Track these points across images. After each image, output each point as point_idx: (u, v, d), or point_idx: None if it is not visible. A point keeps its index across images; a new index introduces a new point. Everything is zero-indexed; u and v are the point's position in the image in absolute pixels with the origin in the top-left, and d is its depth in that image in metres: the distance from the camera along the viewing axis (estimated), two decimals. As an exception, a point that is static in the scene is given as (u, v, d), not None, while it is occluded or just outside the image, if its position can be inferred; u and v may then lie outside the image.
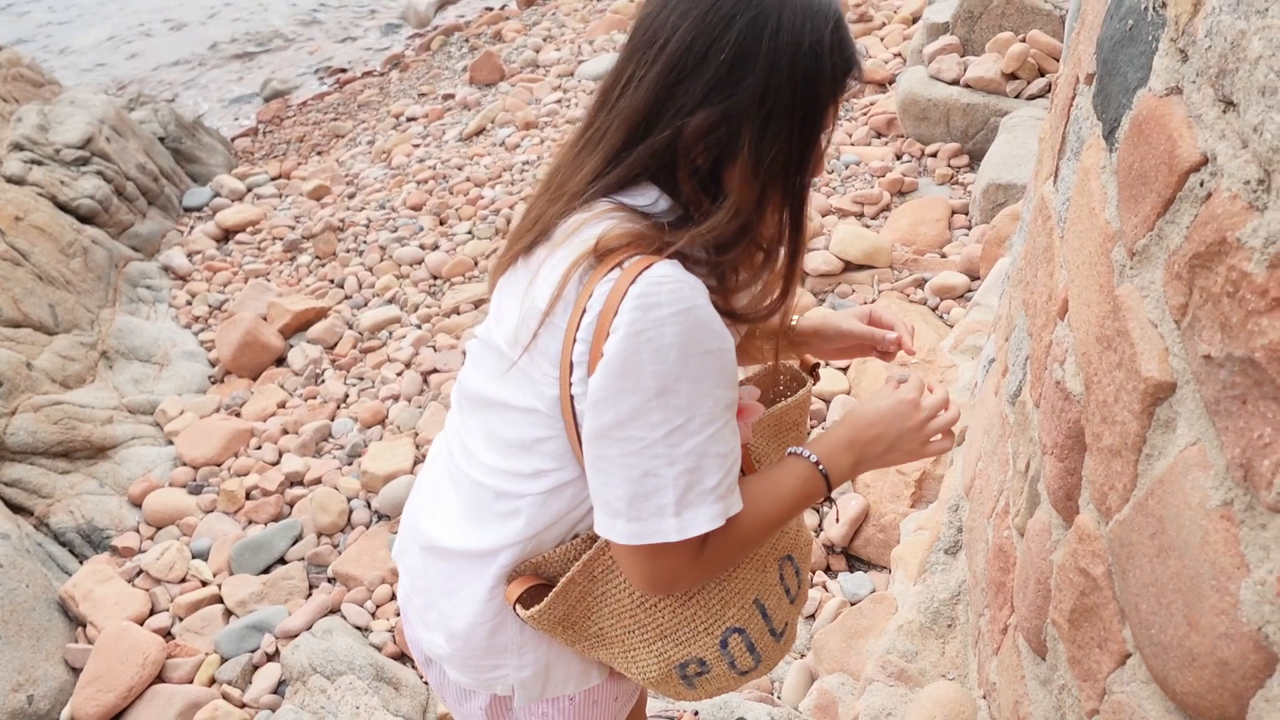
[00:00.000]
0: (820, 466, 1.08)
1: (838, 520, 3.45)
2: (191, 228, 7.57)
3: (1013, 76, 5.37)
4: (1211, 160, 0.90)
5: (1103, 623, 1.27)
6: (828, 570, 3.47)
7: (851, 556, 3.50)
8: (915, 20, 7.32)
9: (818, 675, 2.96)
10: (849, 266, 4.57)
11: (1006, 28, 5.55)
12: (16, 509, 4.41)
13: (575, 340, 0.94)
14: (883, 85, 6.65)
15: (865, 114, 6.34)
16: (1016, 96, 5.34)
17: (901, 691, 2.42)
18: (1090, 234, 1.33)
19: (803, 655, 3.14)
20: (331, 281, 6.40)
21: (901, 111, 5.77)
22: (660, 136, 0.94)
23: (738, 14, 0.88)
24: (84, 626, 3.80)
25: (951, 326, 4.05)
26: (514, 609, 1.09)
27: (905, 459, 1.12)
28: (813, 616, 3.27)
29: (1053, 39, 5.31)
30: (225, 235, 7.37)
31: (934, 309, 4.24)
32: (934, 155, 5.54)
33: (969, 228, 4.84)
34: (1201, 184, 0.92)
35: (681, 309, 0.90)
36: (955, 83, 5.53)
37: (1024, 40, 5.39)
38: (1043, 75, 5.34)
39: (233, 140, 9.62)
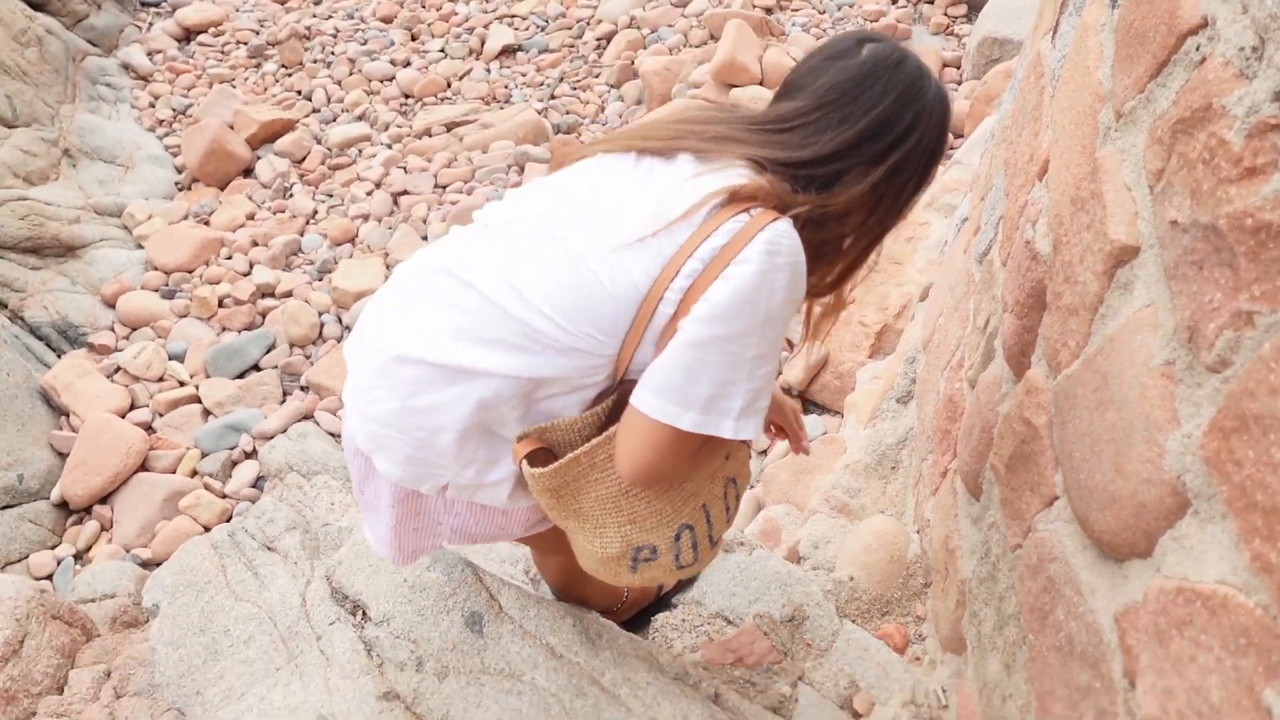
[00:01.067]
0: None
1: (795, 365, 3.58)
2: (150, 24, 7.16)
3: (1023, -76, 5.15)
4: (1211, 24, 0.92)
5: (1038, 468, 1.39)
6: (785, 412, 3.62)
7: (807, 400, 3.65)
8: None
9: (764, 505, 3.15)
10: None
11: None
12: (-11, 302, 4.40)
13: (690, 256, 1.09)
14: (888, -78, 6.34)
15: (866, -47, 6.07)
16: (1023, -53, 5.14)
17: (842, 523, 2.60)
18: (1081, 94, 1.35)
19: (752, 487, 3.34)
20: (299, 93, 6.17)
21: (905, -46, 5.54)
22: (830, 169, 1.20)
23: (912, 101, 1.22)
24: (67, 416, 3.89)
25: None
26: (519, 464, 1.21)
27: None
28: (764, 453, 3.44)
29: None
30: (186, 35, 6.99)
31: (914, 166, 4.24)
32: (930, 2, 5.37)
33: (959, 82, 4.77)
34: (1198, 48, 0.94)
35: (795, 261, 1.10)
36: (963, -73, 5.30)
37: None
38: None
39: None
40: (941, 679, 1.90)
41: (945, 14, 5.27)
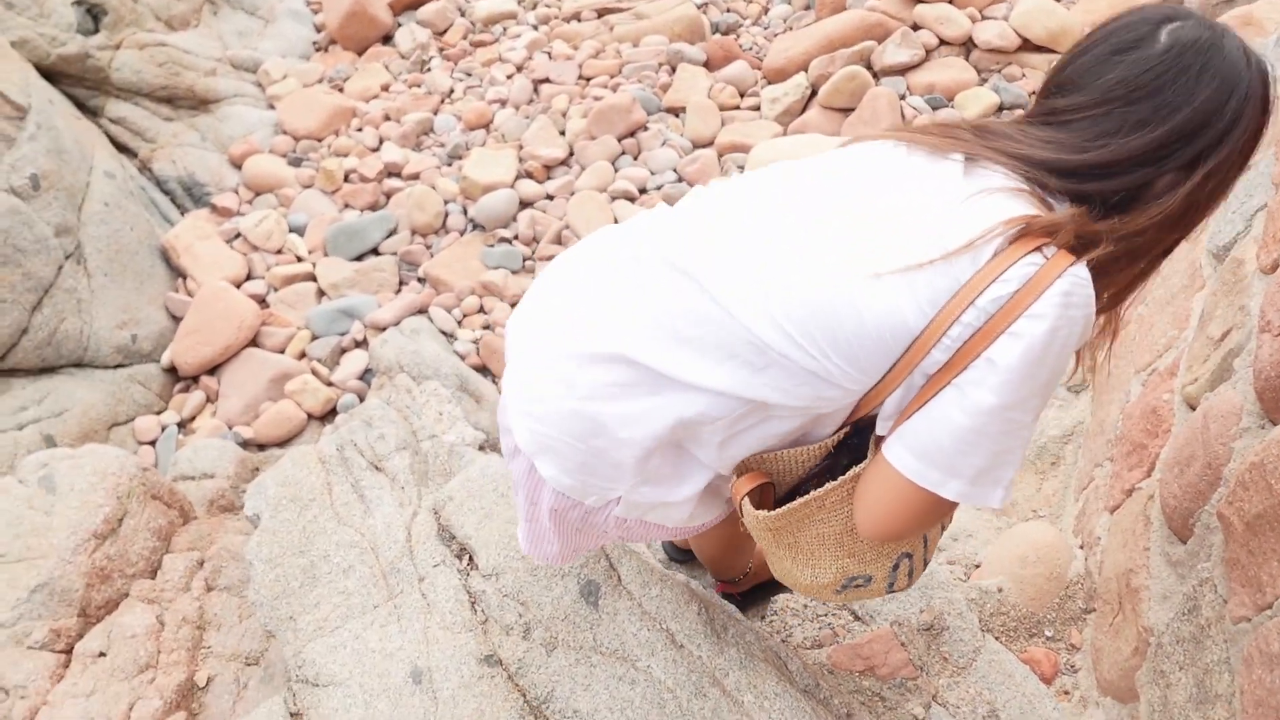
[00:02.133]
0: None
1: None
2: None
3: None
4: None
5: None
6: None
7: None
8: None
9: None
10: (1026, 45, 4.01)
11: None
12: (121, 149, 4.39)
13: (972, 304, 0.89)
14: None
15: None
16: None
17: (987, 517, 2.36)
18: None
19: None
20: (448, -42, 5.89)
21: None
22: (1127, 180, 0.96)
23: (1232, 93, 0.95)
24: (184, 278, 3.89)
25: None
26: (740, 502, 1.08)
27: None
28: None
29: None
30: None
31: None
32: (1156, -76, 4.70)
33: (1175, 22, 4.18)
34: None
35: (1089, 313, 0.92)
36: None
37: None
38: None
39: None
40: (1098, 728, 1.67)
41: (1169, -63, 4.59)
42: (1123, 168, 0.95)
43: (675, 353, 0.96)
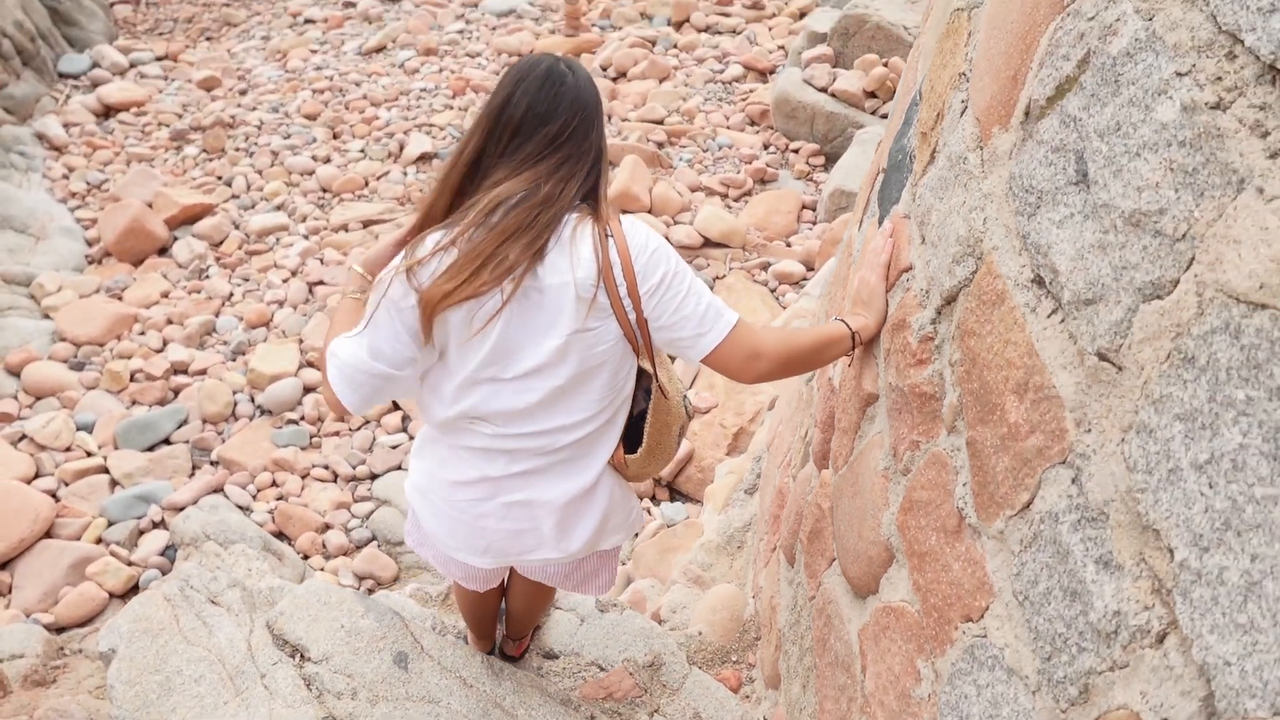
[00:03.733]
0: (844, 320, 1.71)
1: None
2: (68, 96, 7.40)
3: (872, 95, 6.14)
4: (912, 269, 1.55)
5: (823, 539, 1.98)
6: (653, 499, 4.18)
7: (674, 490, 4.22)
8: (803, 15, 8.01)
9: (633, 579, 3.66)
10: (708, 243, 5.24)
11: (874, 50, 6.29)
12: (-108, 364, 4.51)
13: (611, 281, 1.52)
14: (764, 75, 7.31)
15: (744, 100, 6.98)
16: (873, 113, 6.11)
17: (695, 592, 3.14)
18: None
19: (624, 563, 3.85)
20: (219, 178, 6.52)
21: (774, 107, 6.45)
22: (599, 167, 1.61)
23: (596, 111, 1.58)
24: (-32, 482, 4.04)
25: (784, 309, 4.79)
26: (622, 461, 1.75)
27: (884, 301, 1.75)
28: (635, 534, 3.97)
29: (910, 68, 6.09)
30: (106, 112, 7.26)
31: (772, 290, 4.98)
32: (796, 151, 6.27)
33: (814, 223, 5.61)
34: (906, 281, 1.58)
35: (645, 224, 1.62)
36: (824, 90, 6.25)
37: (885, 65, 6.15)
38: (897, 97, 6.12)
39: (111, 6, 9.25)
40: (764, 710, 2.43)
41: (807, 162, 6.16)
42: (590, 165, 1.58)
43: (584, 474, 1.73)
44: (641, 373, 1.74)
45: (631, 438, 1.78)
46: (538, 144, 1.55)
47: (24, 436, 4.33)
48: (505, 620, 2.44)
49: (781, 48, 7.60)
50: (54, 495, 4.07)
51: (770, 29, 7.95)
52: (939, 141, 1.53)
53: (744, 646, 2.71)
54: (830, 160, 6.12)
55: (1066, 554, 0.98)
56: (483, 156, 1.56)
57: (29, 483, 4.08)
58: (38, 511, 3.82)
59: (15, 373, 4.77)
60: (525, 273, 1.50)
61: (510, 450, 1.67)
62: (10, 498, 3.84)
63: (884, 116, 6.02)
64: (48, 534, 3.86)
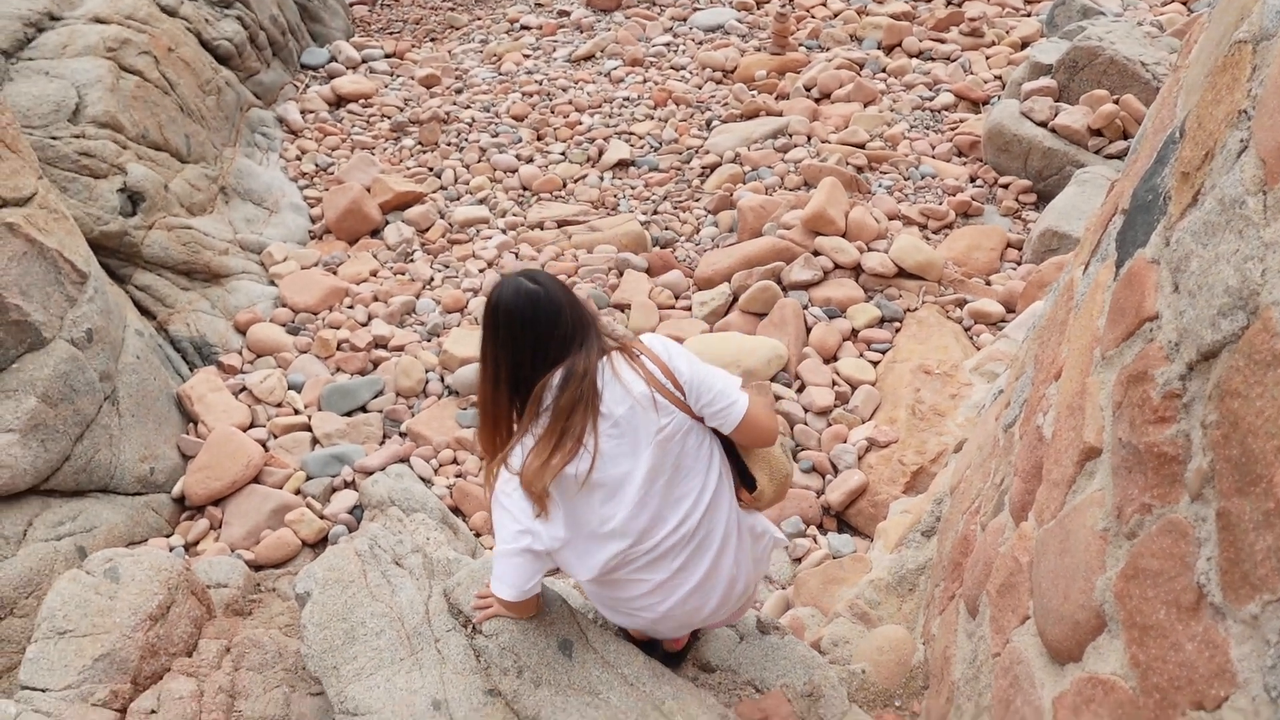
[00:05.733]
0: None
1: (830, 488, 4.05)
2: (306, 86, 8.08)
3: (1097, 133, 5.77)
4: (1159, 318, 1.44)
5: (1016, 595, 1.86)
6: (820, 526, 4.08)
7: (843, 520, 4.11)
8: (1024, 45, 7.65)
9: (793, 605, 3.59)
10: (901, 273, 5.07)
11: (1104, 85, 5.92)
12: (144, 312, 5.07)
13: (660, 385, 1.95)
14: (976, 105, 7.03)
15: (953, 129, 6.73)
16: (1097, 152, 5.74)
17: (860, 629, 3.04)
18: (1086, 331, 1.87)
19: (784, 588, 3.78)
20: (430, 170, 6.94)
21: (986, 138, 6.18)
22: (595, 323, 2.00)
23: (569, 293, 1.97)
24: (195, 423, 4.48)
25: (978, 349, 4.58)
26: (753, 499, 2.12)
27: None
28: (799, 560, 3.89)
29: (1143, 107, 5.69)
30: (338, 101, 7.88)
31: (966, 329, 4.77)
32: (1005, 186, 5.98)
33: (1018, 263, 5.33)
34: (1150, 332, 1.47)
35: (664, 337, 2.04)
36: (1043, 125, 5.93)
37: (1117, 102, 5.77)
38: (1126, 138, 5.73)
39: (350, 5, 10.03)
40: (926, 763, 2.32)
41: (1017, 199, 5.86)
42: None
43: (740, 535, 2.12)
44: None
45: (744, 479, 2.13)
46: (556, 344, 1.89)
47: (244, 389, 4.75)
48: None
49: (998, 78, 7.28)
50: (264, 445, 4.44)
51: (988, 58, 7.63)
52: (1205, 183, 1.41)
53: (909, 693, 2.60)
54: (1043, 199, 5.80)
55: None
56: (518, 378, 1.90)
57: (244, 430, 4.47)
58: (250, 458, 4.18)
59: (242, 331, 5.25)
60: (595, 424, 1.88)
61: (660, 555, 1.99)
62: (229, 442, 4.22)
63: (1110, 157, 5.66)
64: (256, 479, 4.21)
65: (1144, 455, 1.36)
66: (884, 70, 7.64)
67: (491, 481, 1.97)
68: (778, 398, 4.44)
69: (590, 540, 1.97)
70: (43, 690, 2.50)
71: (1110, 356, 1.63)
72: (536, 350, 1.89)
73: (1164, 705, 1.20)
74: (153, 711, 2.61)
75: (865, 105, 7.10)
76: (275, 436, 4.49)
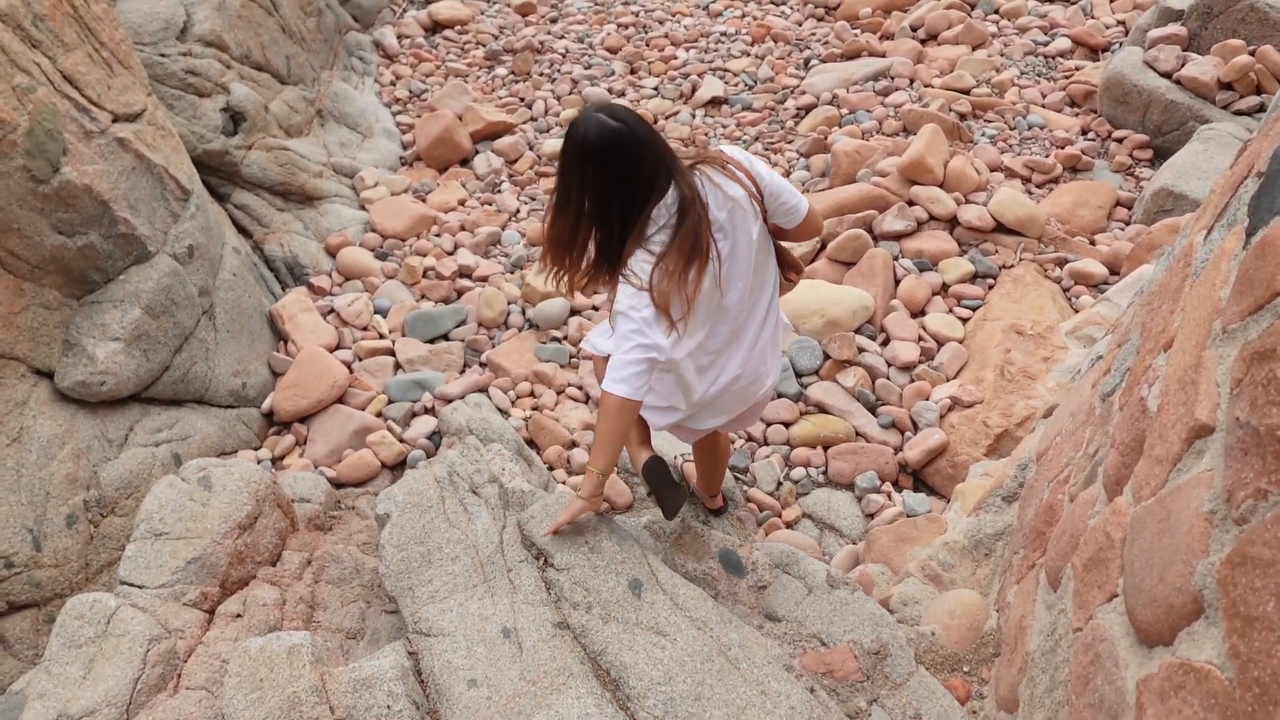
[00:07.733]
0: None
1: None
2: (404, 10, 8.08)
3: (1228, 86, 5.38)
4: (1293, 292, 1.33)
5: (1105, 570, 1.79)
6: (896, 484, 4.01)
7: (919, 479, 4.03)
8: (1151, -9, 7.15)
9: (863, 561, 3.56)
10: (999, 227, 4.86)
11: (1240, 34, 5.50)
12: (241, 230, 5.21)
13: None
14: (1095, 52, 6.62)
15: (1067, 78, 6.37)
16: (1225, 108, 5.36)
17: (931, 590, 2.99)
18: (1206, 301, 1.75)
19: (855, 543, 3.74)
20: (521, 100, 6.89)
21: (1103, 88, 5.83)
22: (669, 149, 2.18)
23: (647, 126, 2.16)
24: (285, 341, 4.62)
25: (1077, 311, 4.38)
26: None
27: None
28: (872, 516, 3.84)
29: (1281, 60, 5.28)
30: (434, 27, 7.86)
31: (1065, 290, 4.56)
32: (1119, 141, 5.65)
33: (1127, 223, 5.05)
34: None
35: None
36: (1168, 75, 5.56)
37: (1253, 53, 5.36)
38: (1259, 94, 5.33)
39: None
40: (992, 731, 2.28)
41: (1131, 155, 5.53)
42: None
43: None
44: None
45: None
46: (643, 183, 2.00)
47: (332, 310, 4.86)
48: (702, 482, 3.36)
49: (1121, 23, 6.84)
50: (349, 366, 4.55)
51: (1112, 1, 7.16)
52: (1363, 148, 1.29)
53: (979, 659, 2.56)
54: (1160, 156, 5.47)
55: None
56: (604, 215, 2.02)
57: (331, 351, 4.59)
58: (336, 378, 4.29)
59: (333, 253, 5.36)
60: (712, 235, 2.13)
61: (742, 325, 2.40)
62: (316, 361, 4.34)
63: (1240, 113, 5.28)
64: (340, 400, 4.33)
65: (1264, 438, 1.27)
66: (996, 12, 7.25)
67: (573, 286, 2.21)
68: (861, 350, 4.34)
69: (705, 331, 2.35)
70: (139, 587, 2.64)
71: (1233, 330, 1.52)
72: (623, 187, 1.98)
73: (1264, 700, 1.13)
74: (238, 615, 2.74)
75: (974, 49, 6.76)
76: (360, 359, 4.60)
